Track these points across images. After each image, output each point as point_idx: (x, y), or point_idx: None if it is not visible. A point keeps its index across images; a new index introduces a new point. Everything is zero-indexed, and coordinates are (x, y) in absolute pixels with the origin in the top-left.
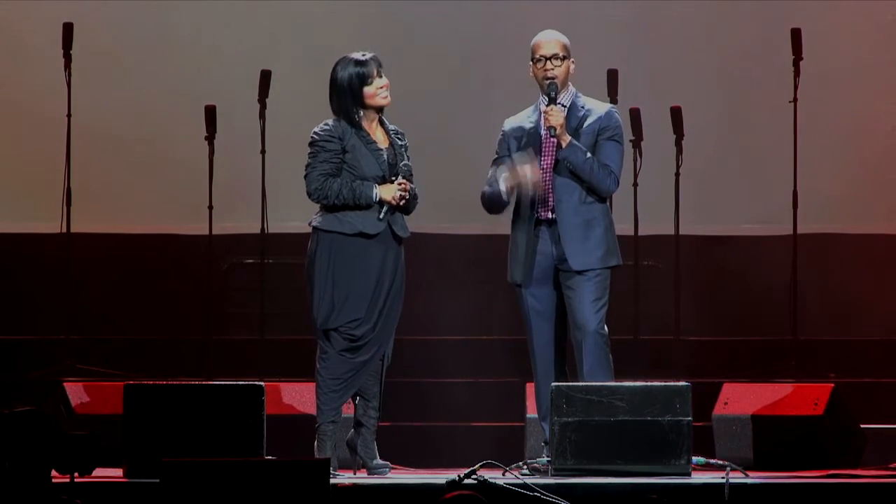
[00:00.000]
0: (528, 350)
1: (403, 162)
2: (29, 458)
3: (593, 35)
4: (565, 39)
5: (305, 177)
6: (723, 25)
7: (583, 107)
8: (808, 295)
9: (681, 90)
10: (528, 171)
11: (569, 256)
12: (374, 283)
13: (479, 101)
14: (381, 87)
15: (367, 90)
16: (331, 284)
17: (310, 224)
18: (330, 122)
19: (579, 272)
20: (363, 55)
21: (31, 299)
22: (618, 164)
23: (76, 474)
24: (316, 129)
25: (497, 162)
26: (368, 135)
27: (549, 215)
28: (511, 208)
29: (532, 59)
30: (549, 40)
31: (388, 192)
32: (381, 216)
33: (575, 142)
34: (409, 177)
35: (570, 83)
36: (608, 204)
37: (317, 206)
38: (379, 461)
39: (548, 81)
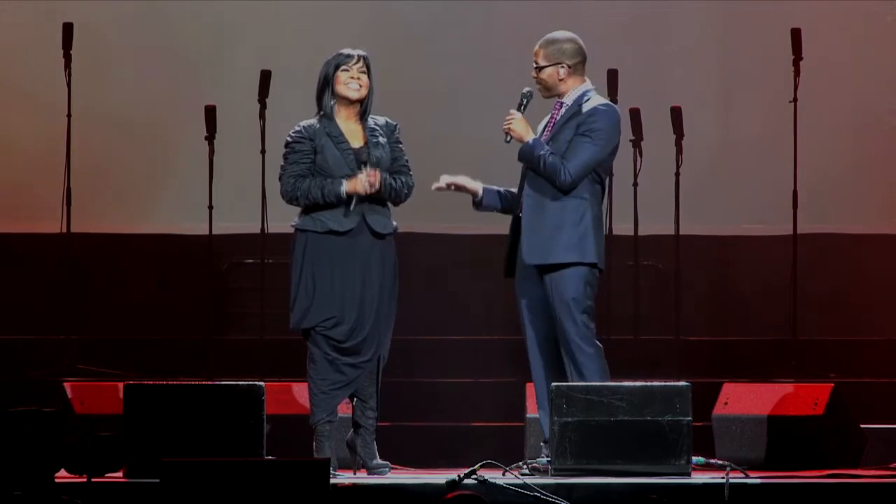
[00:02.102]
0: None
1: (374, 152)
2: (31, 458)
3: (593, 35)
4: (547, 46)
5: (279, 179)
6: (723, 25)
7: (581, 104)
8: (808, 295)
9: (681, 90)
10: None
11: (524, 253)
12: (350, 282)
13: (479, 102)
14: (353, 78)
15: (339, 75)
16: (305, 283)
17: (291, 224)
18: (302, 123)
19: (546, 272)
20: (353, 49)
21: (31, 299)
22: (579, 157)
23: (90, 475)
24: (289, 132)
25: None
26: (341, 134)
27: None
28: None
29: None
30: (535, 51)
31: (355, 183)
32: (351, 208)
33: (533, 140)
34: (382, 166)
35: (586, 79)
36: (588, 200)
37: (286, 211)
38: (379, 461)
39: (524, 90)
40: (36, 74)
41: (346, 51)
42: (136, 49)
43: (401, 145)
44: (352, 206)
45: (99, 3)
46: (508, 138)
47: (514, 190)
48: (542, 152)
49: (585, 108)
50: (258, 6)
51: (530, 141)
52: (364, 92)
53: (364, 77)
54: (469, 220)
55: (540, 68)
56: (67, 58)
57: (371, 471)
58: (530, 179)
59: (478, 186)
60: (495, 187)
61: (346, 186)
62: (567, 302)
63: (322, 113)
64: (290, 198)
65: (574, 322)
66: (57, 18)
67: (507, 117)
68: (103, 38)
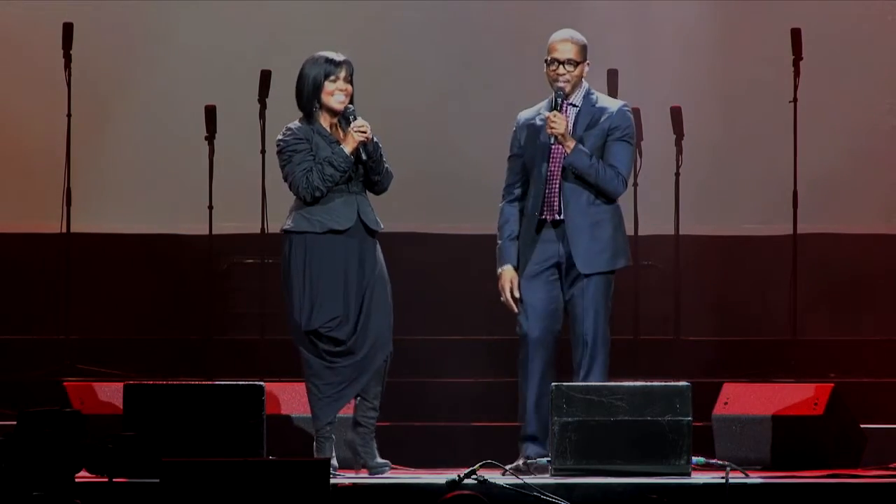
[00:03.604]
0: None
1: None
2: (51, 458)
3: (593, 35)
4: (582, 41)
5: (290, 184)
6: (723, 25)
7: (594, 104)
8: (808, 295)
9: (681, 90)
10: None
11: (576, 259)
12: (349, 280)
13: (479, 102)
14: (340, 90)
15: (327, 86)
16: (309, 284)
17: (281, 229)
18: (292, 126)
19: (585, 275)
20: (337, 55)
21: (31, 299)
22: (626, 165)
23: (111, 476)
24: (280, 137)
25: (511, 160)
26: (331, 134)
27: (557, 216)
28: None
29: (546, 59)
30: (565, 45)
31: (350, 140)
32: (364, 158)
33: (580, 147)
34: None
35: (583, 80)
36: (617, 203)
37: (286, 211)
38: (379, 461)
39: (556, 88)
40: (36, 74)
41: (331, 57)
42: (136, 49)
43: (377, 142)
44: (364, 158)
45: (99, 3)
46: (553, 140)
47: (515, 229)
48: (593, 160)
49: (610, 109)
50: (258, 6)
51: (578, 146)
52: (347, 101)
53: (349, 87)
54: (468, 220)
55: (576, 63)
56: (67, 58)
57: (371, 470)
58: (570, 184)
59: (515, 278)
60: (512, 249)
61: (346, 148)
62: (601, 303)
63: (307, 115)
64: (309, 192)
65: (599, 322)
66: (57, 18)
67: (553, 120)
68: (103, 38)
